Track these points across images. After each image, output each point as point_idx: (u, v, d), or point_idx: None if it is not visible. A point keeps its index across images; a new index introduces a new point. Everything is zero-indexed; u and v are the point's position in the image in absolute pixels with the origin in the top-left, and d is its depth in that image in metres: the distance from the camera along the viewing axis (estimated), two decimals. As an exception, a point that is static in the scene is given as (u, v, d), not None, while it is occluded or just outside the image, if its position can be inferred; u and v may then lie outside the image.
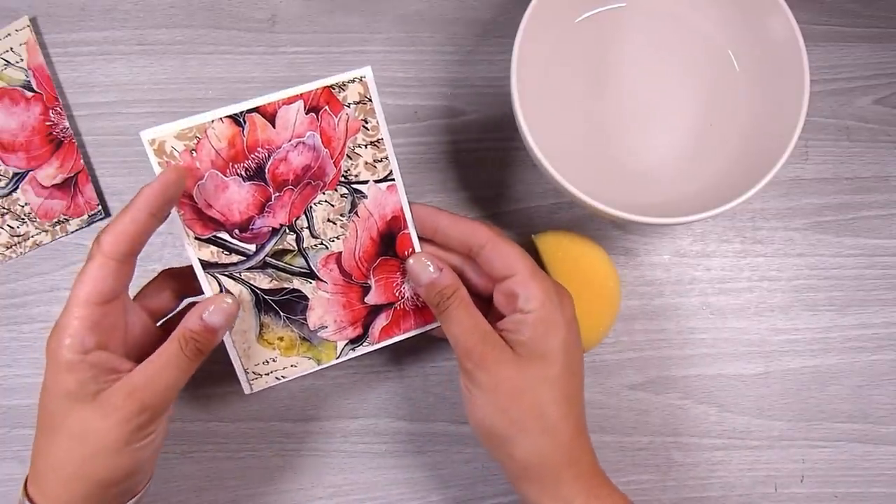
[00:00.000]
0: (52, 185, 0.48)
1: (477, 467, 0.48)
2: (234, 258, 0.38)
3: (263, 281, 0.39)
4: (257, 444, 0.47)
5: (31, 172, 0.48)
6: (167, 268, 0.41)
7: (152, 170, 0.35)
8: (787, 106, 0.42)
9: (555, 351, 0.36)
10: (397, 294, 0.41)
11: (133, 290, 0.37)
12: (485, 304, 0.39)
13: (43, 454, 0.34)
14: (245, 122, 0.36)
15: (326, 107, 0.37)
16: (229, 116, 0.35)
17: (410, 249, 0.40)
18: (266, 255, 0.38)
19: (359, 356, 0.42)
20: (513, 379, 0.36)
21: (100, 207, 0.49)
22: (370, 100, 0.37)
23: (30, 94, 0.49)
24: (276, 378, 0.41)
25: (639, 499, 0.48)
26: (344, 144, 0.38)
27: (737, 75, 0.47)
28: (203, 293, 0.38)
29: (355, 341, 0.41)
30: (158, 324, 0.39)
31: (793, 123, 0.41)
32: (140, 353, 0.35)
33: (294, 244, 0.39)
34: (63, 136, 0.49)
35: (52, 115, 0.49)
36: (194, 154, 0.35)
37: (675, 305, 0.50)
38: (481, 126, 0.50)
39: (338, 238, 0.39)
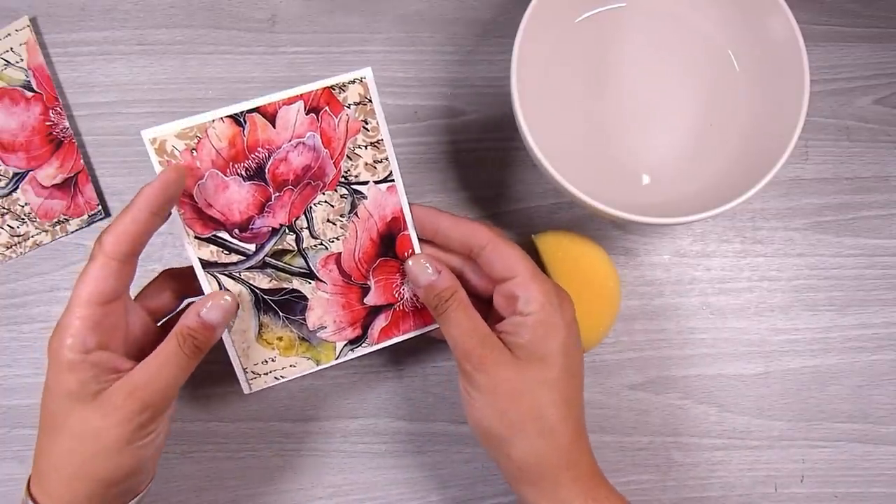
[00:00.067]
0: (52, 185, 0.48)
1: (476, 467, 0.48)
2: (234, 258, 0.38)
3: (263, 281, 0.39)
4: (257, 444, 0.47)
5: (31, 172, 0.48)
6: (168, 268, 0.41)
7: (153, 169, 0.35)
8: (787, 106, 0.42)
9: (554, 353, 0.36)
10: (397, 295, 0.41)
11: (134, 291, 0.37)
12: (484, 305, 0.39)
13: (45, 454, 0.34)
14: (245, 122, 0.36)
15: (327, 107, 0.37)
16: (230, 116, 0.35)
17: (410, 251, 0.40)
18: (266, 255, 0.38)
19: (358, 357, 0.42)
20: (511, 381, 0.36)
21: (100, 207, 0.49)
22: (370, 101, 0.37)
23: (30, 94, 0.49)
24: (275, 378, 0.41)
25: (639, 499, 0.48)
26: (344, 145, 0.38)
27: (737, 75, 0.47)
28: (203, 293, 0.38)
29: (354, 342, 0.41)
30: (159, 324, 0.39)
31: (793, 123, 0.41)
32: (141, 353, 0.35)
33: (294, 244, 0.39)
34: (63, 136, 0.49)
35: (52, 115, 0.49)
36: (195, 153, 0.35)
37: (675, 305, 0.50)
38: (481, 126, 0.50)
39: (337, 239, 0.39)
